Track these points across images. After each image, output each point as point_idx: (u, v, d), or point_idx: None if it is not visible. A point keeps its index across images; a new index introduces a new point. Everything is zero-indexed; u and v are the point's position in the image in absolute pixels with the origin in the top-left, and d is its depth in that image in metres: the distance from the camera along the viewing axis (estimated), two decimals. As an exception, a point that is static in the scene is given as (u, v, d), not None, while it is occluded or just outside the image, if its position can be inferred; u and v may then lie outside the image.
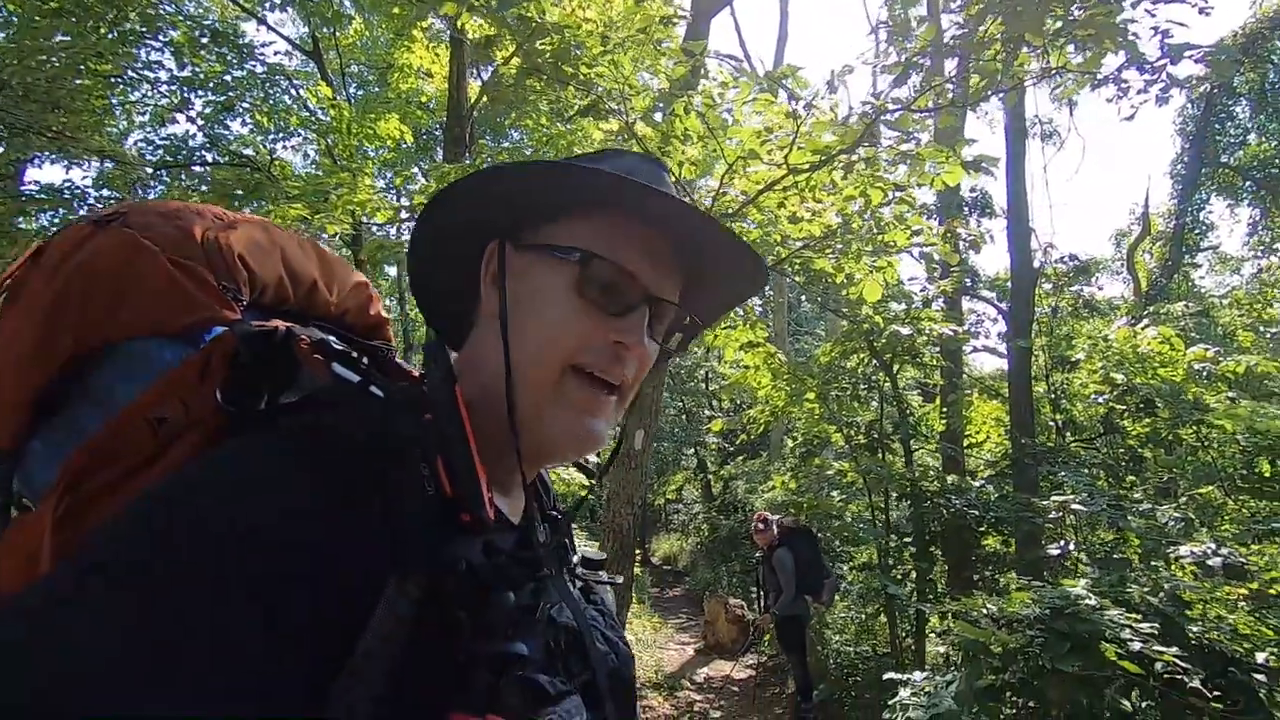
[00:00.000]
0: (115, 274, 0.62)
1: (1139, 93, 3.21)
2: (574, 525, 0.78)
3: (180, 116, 7.14)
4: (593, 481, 0.74)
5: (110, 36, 6.15)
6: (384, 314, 0.84)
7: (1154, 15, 2.93)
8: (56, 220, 7.00)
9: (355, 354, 0.63)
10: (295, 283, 0.73)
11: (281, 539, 0.44)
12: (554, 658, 0.59)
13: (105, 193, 8.86)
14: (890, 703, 3.58)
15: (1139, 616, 3.01)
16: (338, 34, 10.03)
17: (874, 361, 7.20)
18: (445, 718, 0.46)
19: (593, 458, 0.75)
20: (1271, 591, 3.65)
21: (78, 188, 7.13)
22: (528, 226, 0.64)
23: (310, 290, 0.75)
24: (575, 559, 0.73)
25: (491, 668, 0.48)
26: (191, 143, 8.03)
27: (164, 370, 0.59)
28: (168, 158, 8.21)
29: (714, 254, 0.65)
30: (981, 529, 6.02)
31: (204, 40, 6.59)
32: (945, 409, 7.82)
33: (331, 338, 0.65)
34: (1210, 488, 5.01)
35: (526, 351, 0.60)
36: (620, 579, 0.84)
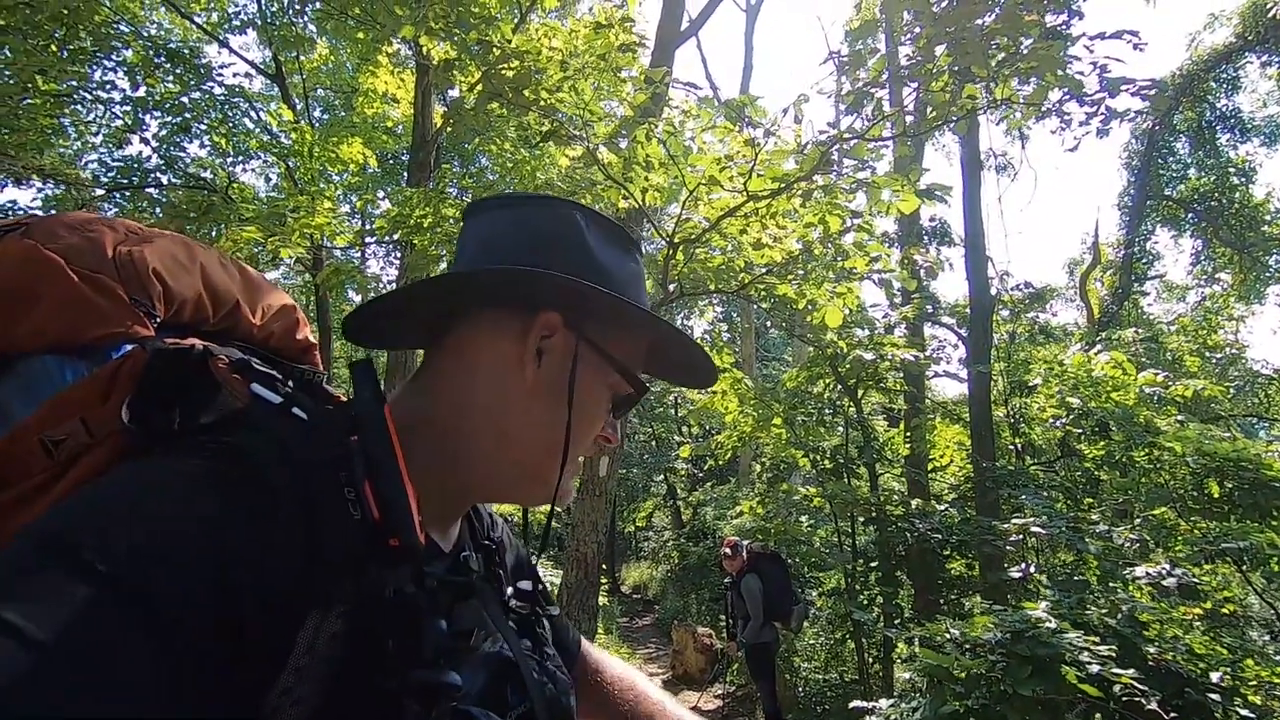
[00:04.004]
0: (13, 286, 0.57)
1: (1081, 124, 3.36)
2: (540, 554, 0.78)
3: (134, 137, 6.97)
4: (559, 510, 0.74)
5: (62, 55, 6.01)
6: (312, 338, 0.79)
7: (1092, 51, 3.08)
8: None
9: (279, 376, 0.60)
10: (216, 302, 0.69)
11: (182, 564, 0.41)
12: (489, 688, 0.58)
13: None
14: (856, 732, 3.52)
15: (1097, 638, 3.01)
16: (302, 58, 9.98)
17: (839, 386, 7.26)
18: None
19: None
20: (1224, 611, 3.71)
21: (21, 209, 6.90)
22: (592, 320, 0.66)
23: (233, 310, 0.70)
24: (509, 590, 0.72)
25: (422, 698, 0.46)
26: (146, 164, 7.85)
27: (64, 387, 0.54)
28: (121, 179, 8.01)
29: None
30: (946, 552, 6.04)
31: (159, 60, 6.48)
32: (909, 433, 7.90)
33: (253, 359, 0.61)
34: (1164, 509, 5.10)
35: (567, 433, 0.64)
36: (555, 609, 0.82)
